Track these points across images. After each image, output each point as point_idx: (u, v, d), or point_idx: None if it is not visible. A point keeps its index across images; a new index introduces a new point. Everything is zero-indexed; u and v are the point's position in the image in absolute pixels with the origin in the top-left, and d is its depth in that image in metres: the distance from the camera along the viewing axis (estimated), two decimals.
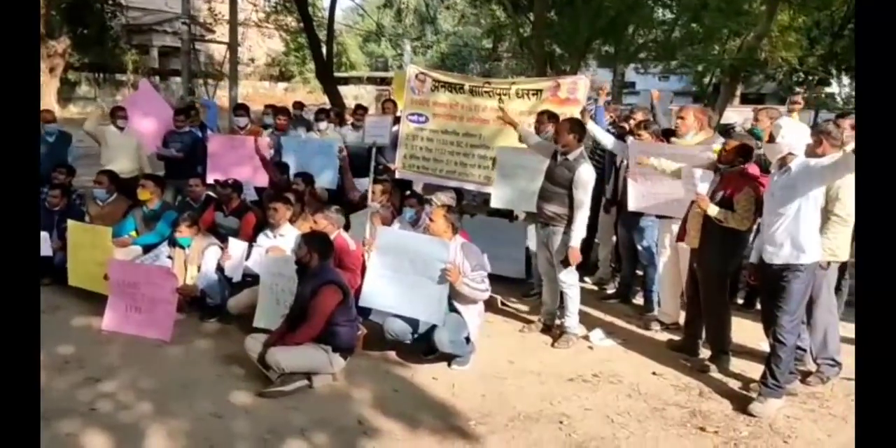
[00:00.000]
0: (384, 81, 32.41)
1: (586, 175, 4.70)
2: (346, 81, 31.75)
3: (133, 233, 5.88)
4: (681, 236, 4.71)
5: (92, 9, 22.00)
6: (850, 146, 4.24)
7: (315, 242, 4.31)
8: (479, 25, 31.01)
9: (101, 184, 6.18)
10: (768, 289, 4.02)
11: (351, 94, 27.65)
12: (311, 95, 30.08)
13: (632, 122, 5.91)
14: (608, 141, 5.54)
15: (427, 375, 4.37)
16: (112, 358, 4.48)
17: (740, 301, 5.84)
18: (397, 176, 7.12)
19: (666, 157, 5.16)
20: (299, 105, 10.01)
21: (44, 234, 5.75)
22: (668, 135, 5.76)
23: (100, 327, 4.94)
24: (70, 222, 5.60)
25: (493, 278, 4.86)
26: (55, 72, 24.78)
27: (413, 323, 4.50)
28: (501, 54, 29.83)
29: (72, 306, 5.42)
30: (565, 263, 4.81)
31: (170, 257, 5.37)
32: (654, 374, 4.47)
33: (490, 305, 5.29)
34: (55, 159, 6.93)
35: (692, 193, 4.49)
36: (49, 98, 23.77)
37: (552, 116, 5.74)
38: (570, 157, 4.78)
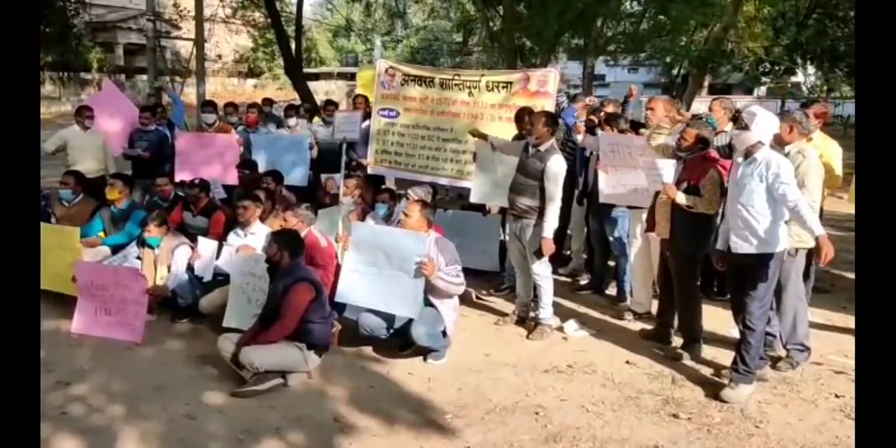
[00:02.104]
0: (354, 77, 32.17)
1: (557, 166, 4.72)
2: (316, 77, 31.51)
3: (101, 233, 5.79)
4: (650, 227, 4.75)
5: (54, 6, 21.49)
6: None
7: (285, 240, 4.27)
8: (449, 19, 30.93)
9: (67, 185, 6.06)
10: (736, 276, 4.07)
11: (321, 90, 27.45)
12: (281, 92, 29.77)
13: (602, 114, 5.94)
14: (580, 137, 5.65)
15: (403, 370, 4.37)
16: (82, 361, 4.41)
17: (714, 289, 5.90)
18: (369, 171, 7.09)
19: (634, 148, 5.22)
20: (268, 101, 9.91)
21: None
22: (637, 127, 5.82)
23: (69, 330, 4.85)
24: None
25: (467, 272, 4.87)
26: None
27: (387, 318, 4.49)
28: (472, 48, 29.79)
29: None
30: (538, 254, 4.83)
31: (139, 258, 5.29)
32: (627, 363, 4.51)
33: (464, 299, 5.29)
34: None
35: (657, 184, 4.54)
36: None
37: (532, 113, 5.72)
38: (542, 148, 4.80)
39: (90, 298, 4.86)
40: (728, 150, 4.72)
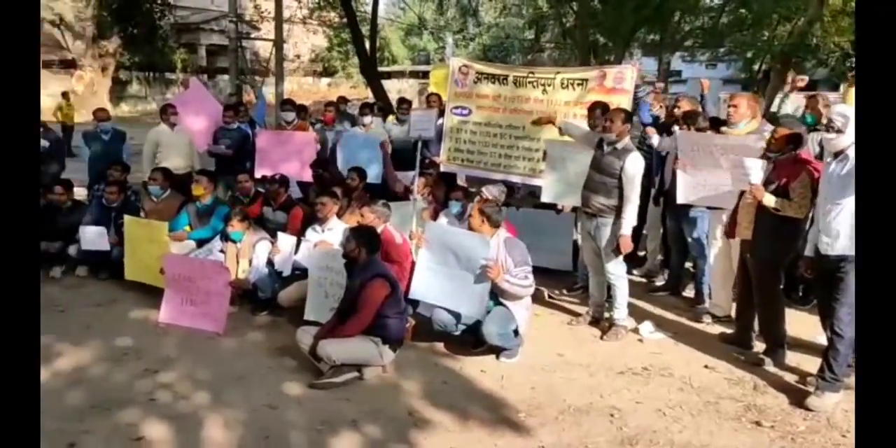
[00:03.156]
0: (426, 75, 32.41)
1: (635, 164, 4.64)
2: (388, 75, 31.89)
3: (187, 227, 6.02)
4: (731, 233, 4.59)
5: (141, 9, 22.56)
6: None
7: (362, 237, 4.35)
8: (521, 16, 30.79)
9: (155, 181, 6.34)
10: (825, 280, 3.90)
11: (394, 89, 27.76)
12: (354, 90, 30.30)
13: (677, 111, 5.79)
14: (655, 139, 5.51)
15: (475, 367, 4.38)
16: (169, 349, 4.60)
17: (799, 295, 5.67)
18: (442, 169, 7.12)
19: (716, 147, 5.06)
20: (343, 100, 10.12)
21: (101, 229, 5.95)
22: (717, 124, 5.64)
23: (156, 320, 5.07)
24: (127, 217, 5.77)
25: (540, 271, 4.85)
26: (107, 71, 25.57)
27: (459, 315, 4.51)
28: (544, 45, 29.57)
29: (128, 299, 5.59)
30: (616, 252, 4.75)
31: (222, 251, 5.49)
32: (706, 367, 4.40)
33: (537, 298, 5.27)
34: (110, 157, 7.12)
35: (743, 184, 4.38)
36: (102, 97, 24.53)
37: (605, 110, 5.63)
38: (619, 146, 4.72)
39: (177, 289, 5.07)
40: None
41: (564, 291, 5.92)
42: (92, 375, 4.17)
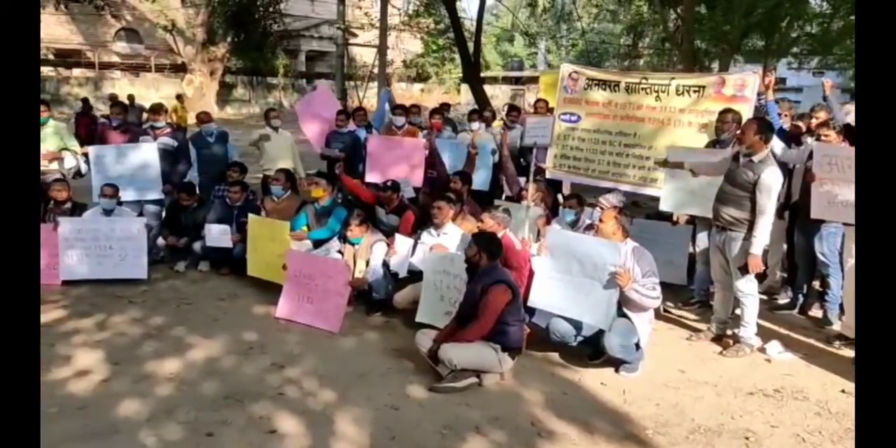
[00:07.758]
0: (519, 81, 32.39)
1: (771, 178, 4.43)
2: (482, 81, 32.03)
3: (305, 227, 6.20)
4: None
5: (253, 16, 23.58)
6: None
7: (484, 242, 4.35)
8: (618, 22, 30.29)
9: (278, 181, 6.57)
10: None
11: (486, 94, 27.87)
12: (447, 96, 30.55)
13: (813, 121, 5.52)
14: (778, 148, 5.27)
15: (595, 380, 4.30)
16: (292, 345, 4.74)
17: None
18: (548, 176, 7.06)
19: (854, 161, 4.80)
20: (446, 106, 10.21)
21: (225, 227, 6.20)
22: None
23: (275, 315, 5.23)
24: (251, 216, 6.00)
25: None
26: (215, 75, 26.79)
27: (577, 325, 4.45)
28: (641, 51, 28.97)
29: (249, 295, 5.80)
30: (744, 271, 4.57)
31: (339, 252, 5.62)
32: (843, 392, 4.16)
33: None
34: (216, 157, 7.40)
35: None
36: (210, 100, 25.70)
37: (737, 117, 5.44)
38: (756, 158, 4.52)
39: (296, 286, 5.20)
40: None
41: (681, 305, 5.73)
42: (223, 367, 4.34)
